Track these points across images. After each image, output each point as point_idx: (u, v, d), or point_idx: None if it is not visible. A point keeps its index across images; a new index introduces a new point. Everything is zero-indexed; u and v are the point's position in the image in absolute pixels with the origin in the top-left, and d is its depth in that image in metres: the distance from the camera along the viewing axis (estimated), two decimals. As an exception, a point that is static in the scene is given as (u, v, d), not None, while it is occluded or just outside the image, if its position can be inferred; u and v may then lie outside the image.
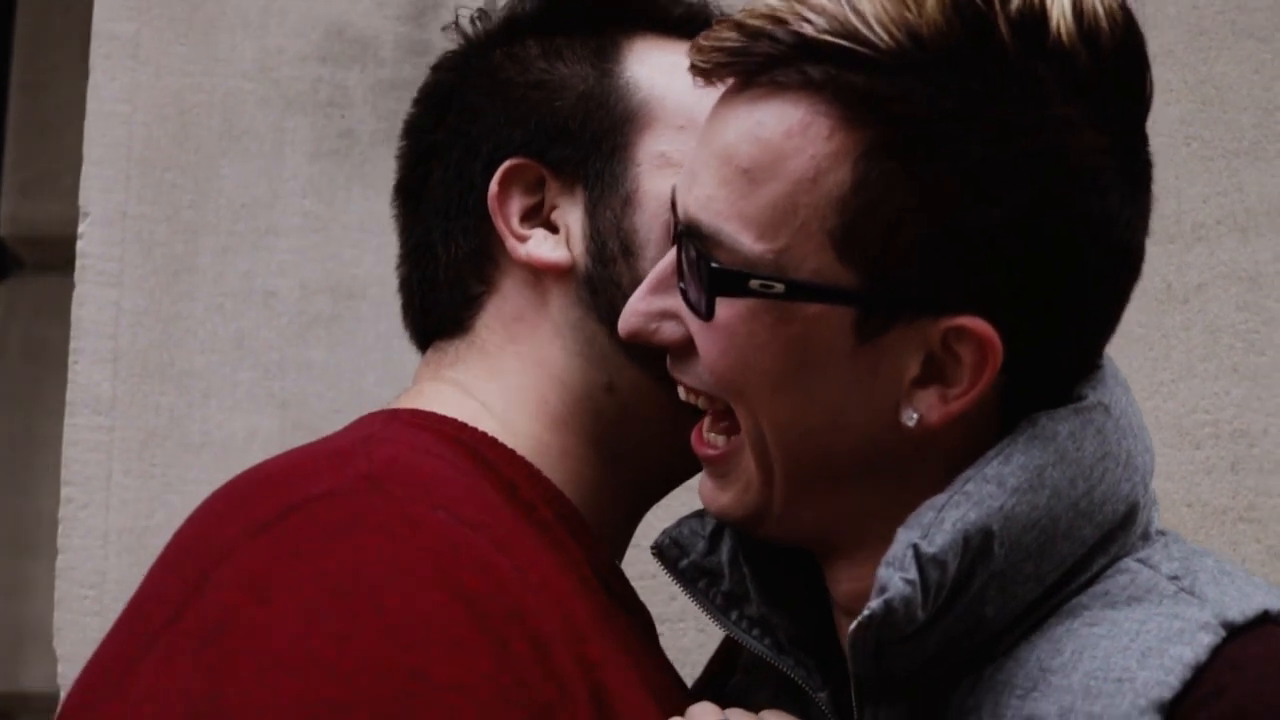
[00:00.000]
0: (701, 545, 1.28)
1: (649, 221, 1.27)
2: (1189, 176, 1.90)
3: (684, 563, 1.28)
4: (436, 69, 1.35)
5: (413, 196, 1.35)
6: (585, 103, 1.28)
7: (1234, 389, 1.85)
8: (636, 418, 1.29)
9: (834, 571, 1.23)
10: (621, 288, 1.26)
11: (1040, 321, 1.12)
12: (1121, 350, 1.25)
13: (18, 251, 3.52)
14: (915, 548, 1.11)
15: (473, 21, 1.32)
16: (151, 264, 1.90)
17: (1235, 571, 1.17)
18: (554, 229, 1.29)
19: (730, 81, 1.16)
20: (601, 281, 1.27)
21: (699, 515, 1.31)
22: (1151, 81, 1.13)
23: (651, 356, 1.26)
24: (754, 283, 1.13)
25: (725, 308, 1.15)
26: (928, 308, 1.11)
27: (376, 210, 1.88)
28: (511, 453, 1.24)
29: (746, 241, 1.13)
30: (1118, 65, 1.11)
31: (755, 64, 1.13)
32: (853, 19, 1.09)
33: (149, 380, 1.88)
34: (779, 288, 1.12)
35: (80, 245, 1.90)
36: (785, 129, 1.12)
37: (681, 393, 1.24)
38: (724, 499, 1.23)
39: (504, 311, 1.30)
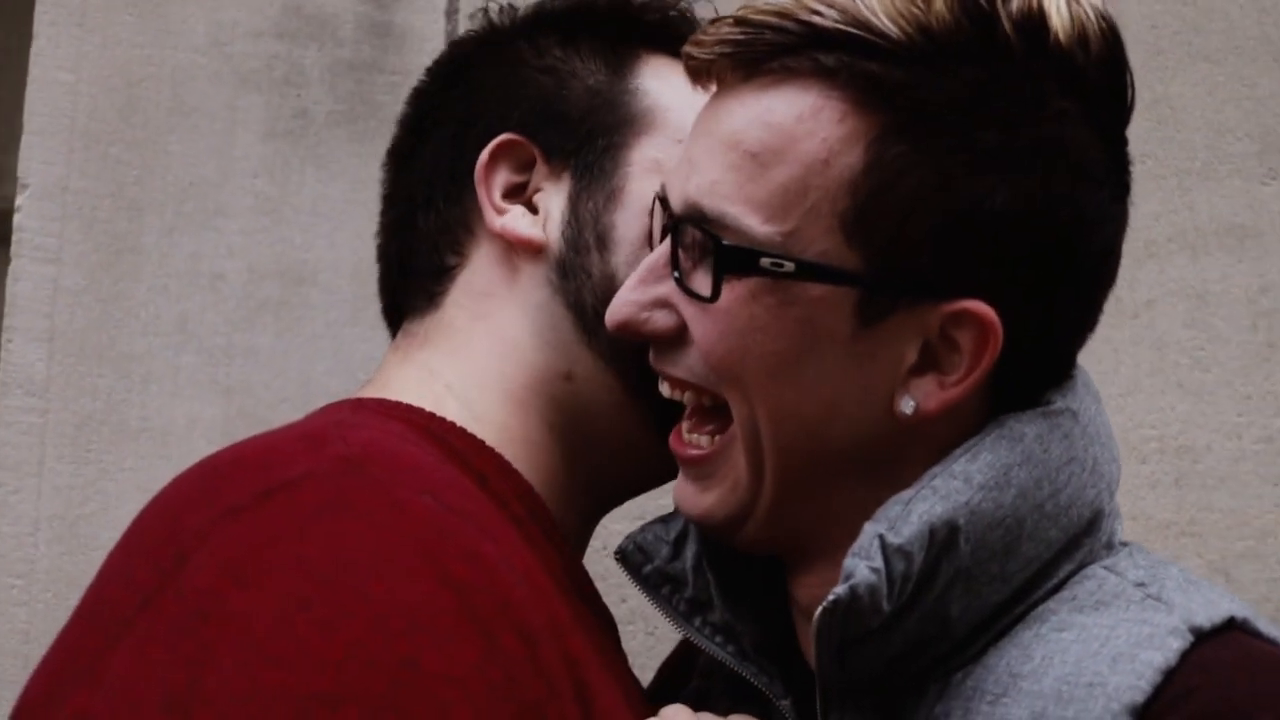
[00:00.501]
0: (665, 551, 1.28)
1: (629, 220, 1.28)
2: (1142, 194, 1.89)
3: (647, 569, 1.28)
4: (454, 45, 1.37)
5: (404, 162, 1.35)
6: (592, 97, 1.30)
7: (1179, 404, 1.89)
8: (591, 410, 1.28)
9: (802, 576, 1.23)
10: (591, 278, 1.27)
11: (1036, 311, 1.15)
12: (1071, 362, 1.26)
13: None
14: (881, 538, 1.12)
15: (500, 11, 1.34)
16: (92, 241, 1.82)
17: (1200, 581, 1.20)
18: (534, 210, 1.30)
19: (724, 79, 1.18)
20: (572, 267, 1.28)
21: (663, 520, 1.30)
22: (1134, 88, 1.17)
23: (613, 351, 1.26)
24: (764, 261, 1.13)
25: (728, 290, 1.15)
26: (931, 291, 1.13)
27: (330, 194, 1.83)
28: (481, 443, 1.22)
29: (754, 224, 1.14)
30: (1107, 69, 1.15)
31: (763, 53, 1.15)
32: (864, 12, 1.12)
33: (86, 362, 1.81)
34: (789, 266, 1.13)
35: (17, 219, 1.82)
36: (797, 113, 1.14)
37: (665, 389, 1.23)
38: (707, 501, 1.22)
39: (474, 286, 1.30)
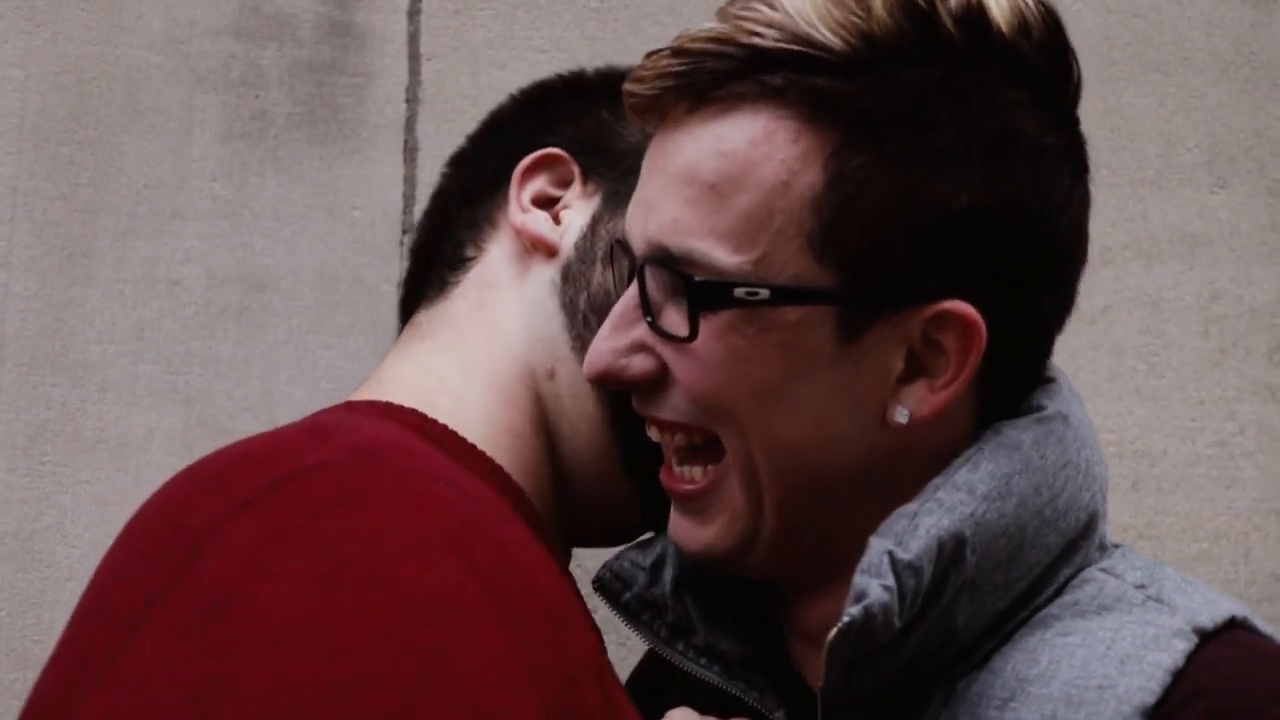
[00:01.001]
0: (643, 578, 1.27)
1: None
2: (1097, 203, 1.91)
3: (626, 596, 1.27)
4: (541, 80, 1.41)
5: (457, 166, 1.38)
6: (641, 140, 1.31)
7: (1136, 409, 1.92)
8: (569, 416, 1.27)
9: (809, 596, 1.23)
10: (589, 285, 1.27)
11: (1015, 300, 1.15)
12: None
13: None
14: (890, 554, 1.11)
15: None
16: (44, 245, 1.75)
17: (1194, 580, 1.21)
18: (556, 222, 1.31)
19: (670, 113, 1.16)
20: (575, 273, 1.29)
21: (639, 547, 1.29)
22: (1079, 70, 1.18)
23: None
24: (738, 291, 1.12)
25: (705, 325, 1.14)
26: (909, 298, 1.12)
27: (291, 198, 1.79)
28: (471, 446, 1.21)
29: (722, 255, 1.12)
30: (1050, 54, 1.16)
31: (706, 82, 1.13)
32: (805, 28, 1.11)
33: (38, 371, 1.74)
34: (763, 293, 1.12)
35: (-36, 221, 1.75)
36: (750, 138, 1.12)
37: (654, 434, 1.21)
38: (706, 535, 1.21)
39: (483, 279, 1.31)
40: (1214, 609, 1.15)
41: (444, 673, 0.91)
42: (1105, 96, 1.96)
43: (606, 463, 1.28)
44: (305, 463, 1.00)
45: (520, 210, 1.30)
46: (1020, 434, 1.17)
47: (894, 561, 1.11)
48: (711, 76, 1.13)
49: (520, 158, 1.32)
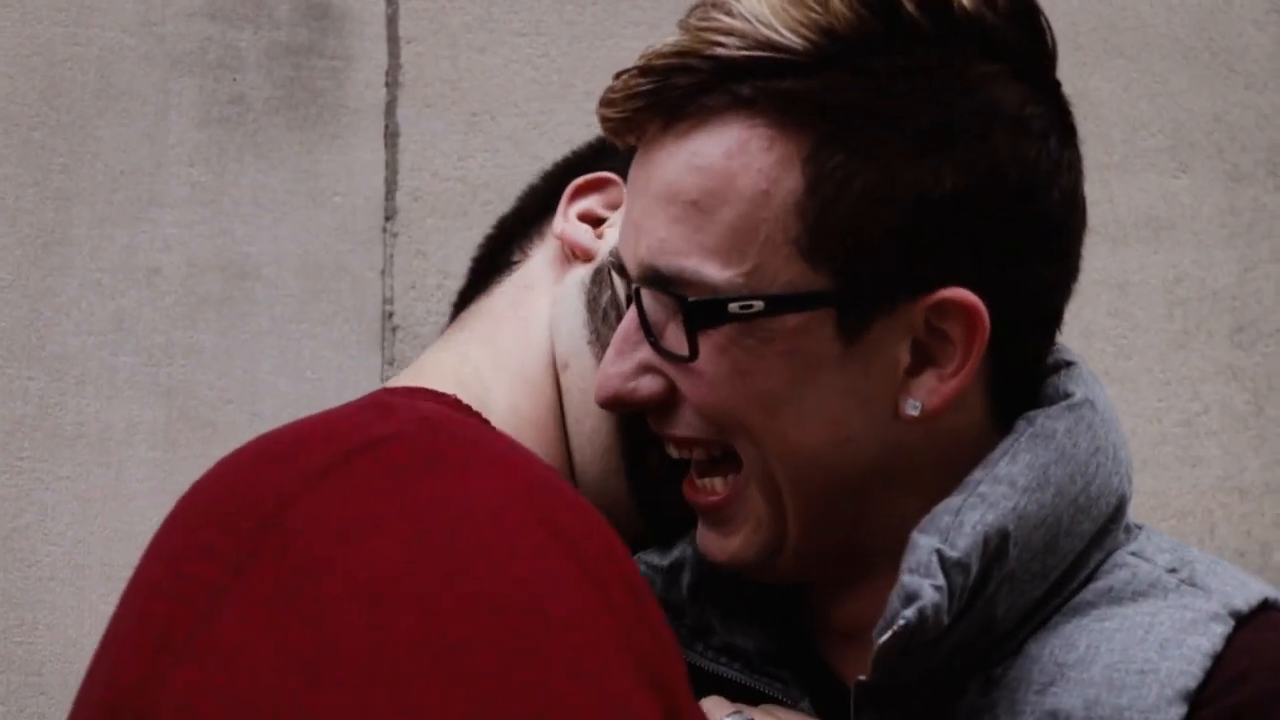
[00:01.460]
0: (660, 581, 1.27)
1: None
2: (1065, 186, 1.99)
3: None
4: None
5: (525, 191, 1.40)
6: None
7: (1106, 390, 1.95)
8: (578, 408, 1.28)
9: (841, 594, 1.23)
10: (613, 286, 1.27)
11: (1014, 279, 1.15)
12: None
13: None
14: (939, 553, 1.12)
15: None
16: (17, 234, 1.70)
17: (1221, 561, 1.24)
18: (598, 236, 1.33)
19: (644, 132, 1.15)
20: (605, 276, 1.30)
21: (657, 551, 1.29)
22: (1052, 32, 1.17)
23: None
24: (733, 306, 1.11)
25: (705, 343, 1.13)
26: (906, 290, 1.12)
27: (271, 183, 1.75)
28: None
29: (713, 272, 1.12)
30: (1019, 21, 1.15)
31: (676, 98, 1.12)
32: (765, 31, 1.10)
33: (15, 363, 1.69)
34: (758, 305, 1.11)
35: (-66, 209, 1.69)
36: (724, 150, 1.11)
37: (674, 451, 1.21)
38: (732, 545, 1.20)
39: (522, 280, 1.33)
40: (1247, 591, 1.17)
41: (540, 633, 0.90)
42: (1072, 81, 1.96)
43: (609, 459, 1.28)
44: (375, 434, 0.99)
45: (563, 219, 1.31)
46: (1054, 423, 1.17)
47: (943, 560, 1.12)
48: (680, 92, 1.11)
49: (575, 177, 1.33)
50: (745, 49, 1.10)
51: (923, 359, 1.14)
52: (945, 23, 1.11)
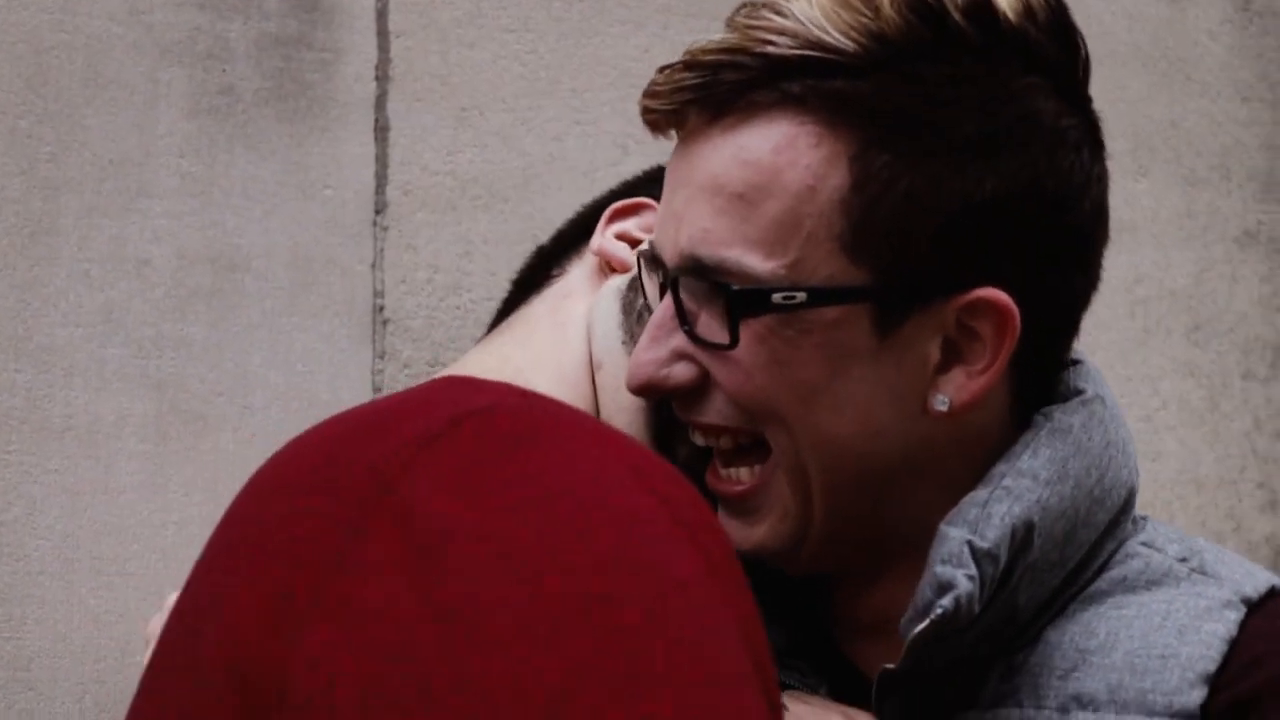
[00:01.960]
0: None
1: None
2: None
3: None
4: None
5: (567, 222, 1.47)
6: None
7: (1071, 387, 2.01)
8: (610, 405, 1.30)
9: (863, 588, 1.26)
10: (646, 294, 1.30)
11: (1045, 284, 1.18)
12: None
13: None
14: (970, 544, 1.16)
15: None
16: (4, 223, 1.67)
17: (1224, 550, 1.29)
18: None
19: (688, 126, 1.18)
20: (637, 282, 1.33)
21: None
22: (1086, 48, 1.21)
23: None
24: (776, 297, 1.14)
25: (745, 332, 1.16)
26: (941, 289, 1.16)
27: (261, 175, 1.74)
28: None
29: (755, 262, 1.15)
30: (1057, 37, 1.19)
31: (724, 93, 1.15)
32: (815, 32, 1.13)
33: (2, 355, 1.66)
34: (800, 296, 1.14)
35: (-80, 198, 1.65)
36: (773, 146, 1.14)
37: (699, 439, 1.23)
38: (758, 534, 1.22)
39: (561, 290, 1.37)
40: (1255, 579, 1.22)
41: (671, 591, 0.91)
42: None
43: None
44: (476, 404, 0.99)
45: (600, 236, 1.36)
46: (1069, 418, 1.21)
47: (974, 550, 1.15)
48: (728, 87, 1.14)
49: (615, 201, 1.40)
50: (796, 48, 1.12)
51: (952, 356, 1.17)
52: (991, 34, 1.14)
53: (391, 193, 1.79)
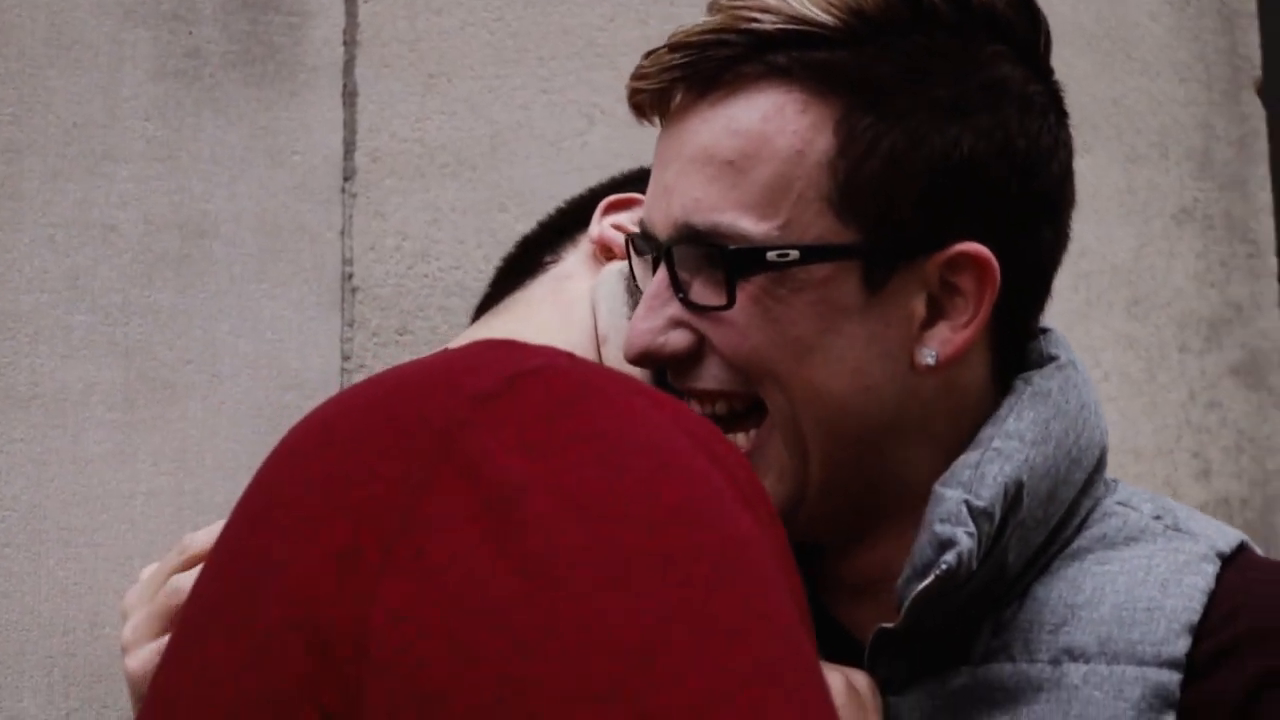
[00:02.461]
0: None
1: None
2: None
3: None
4: None
5: (553, 213, 1.54)
6: None
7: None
8: None
9: (857, 548, 1.31)
10: (634, 274, 1.34)
11: (1021, 241, 1.26)
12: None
13: None
14: (967, 503, 1.21)
15: None
16: (-34, 186, 1.63)
17: (1193, 509, 1.37)
18: None
19: (676, 104, 1.24)
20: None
21: None
22: (1047, 22, 1.31)
23: None
24: (770, 255, 1.20)
25: (740, 293, 1.22)
26: (925, 244, 1.22)
27: (228, 139, 1.72)
28: None
29: (748, 225, 1.21)
30: (1021, 11, 1.28)
31: (712, 69, 1.22)
32: (798, 8, 1.21)
33: (-35, 321, 1.61)
34: (794, 254, 1.20)
35: (-121, 158, 1.60)
36: (761, 114, 1.21)
37: (696, 407, 1.27)
38: None
39: (559, 273, 1.43)
40: (1225, 535, 1.31)
41: (734, 547, 0.93)
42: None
43: None
44: (527, 364, 0.99)
45: (597, 225, 1.41)
46: (1048, 382, 1.29)
47: (971, 509, 1.20)
48: (716, 64, 1.21)
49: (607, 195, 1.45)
50: (780, 24, 1.20)
51: (937, 311, 1.23)
52: (962, 10, 1.23)
53: (360, 159, 1.77)
